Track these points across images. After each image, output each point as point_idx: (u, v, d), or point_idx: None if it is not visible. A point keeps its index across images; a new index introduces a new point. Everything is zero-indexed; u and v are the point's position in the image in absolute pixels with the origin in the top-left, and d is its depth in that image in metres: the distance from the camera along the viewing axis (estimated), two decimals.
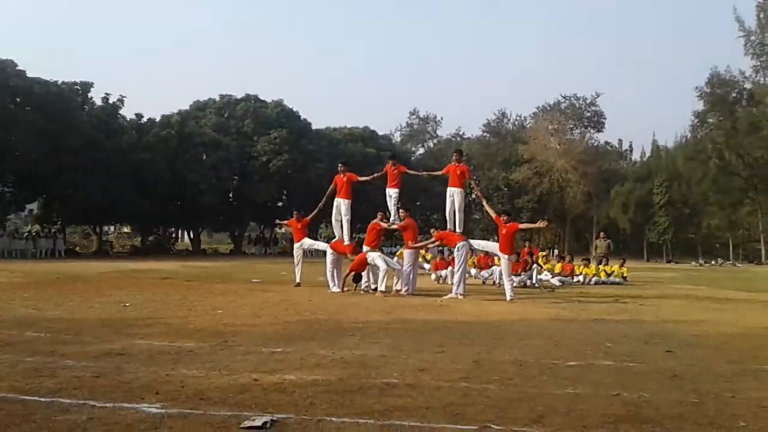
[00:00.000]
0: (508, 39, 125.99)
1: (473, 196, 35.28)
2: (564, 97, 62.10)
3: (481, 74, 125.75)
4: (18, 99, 31.68)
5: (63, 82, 34.58)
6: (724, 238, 55.55)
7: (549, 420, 3.66)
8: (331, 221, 14.44)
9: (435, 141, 73.49)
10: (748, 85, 49.20)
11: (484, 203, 15.09)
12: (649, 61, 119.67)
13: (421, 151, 71.35)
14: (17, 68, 31.65)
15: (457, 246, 12.33)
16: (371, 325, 7.75)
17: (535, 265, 16.09)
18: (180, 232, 55.81)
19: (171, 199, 40.34)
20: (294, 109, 48.89)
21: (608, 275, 18.24)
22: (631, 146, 71.78)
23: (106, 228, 48.22)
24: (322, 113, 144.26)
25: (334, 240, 14.13)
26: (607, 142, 66.96)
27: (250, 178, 44.24)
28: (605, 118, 62.24)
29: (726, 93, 49.49)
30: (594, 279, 17.91)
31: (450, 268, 14.80)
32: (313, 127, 50.61)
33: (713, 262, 45.47)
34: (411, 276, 12.74)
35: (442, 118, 74.72)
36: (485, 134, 67.68)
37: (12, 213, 40.55)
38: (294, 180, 45.04)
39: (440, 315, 9.10)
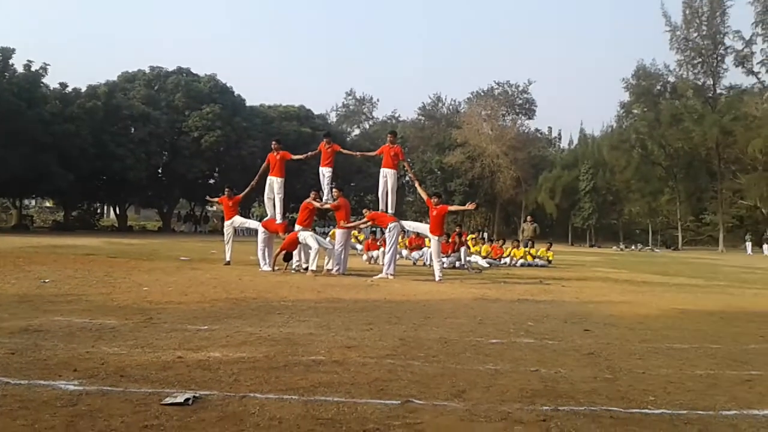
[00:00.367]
0: (442, 24, 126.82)
1: (407, 177, 35.53)
2: (497, 84, 63.28)
3: (418, 57, 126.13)
4: None
5: None
6: (645, 225, 58.04)
7: (469, 395, 3.78)
8: (263, 199, 14.28)
9: (371, 122, 73.49)
10: (671, 79, 51.43)
11: (417, 185, 15.25)
12: (580, 52, 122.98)
13: (357, 132, 71.28)
14: None
15: (389, 227, 12.43)
16: (300, 303, 7.75)
17: (464, 247, 16.39)
18: (106, 207, 53.98)
19: (96, 173, 38.73)
20: (228, 85, 47.98)
21: (534, 258, 18.76)
22: (560, 134, 74.31)
23: (26, 202, 46.11)
24: (257, 90, 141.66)
25: (266, 218, 13.98)
26: (537, 130, 68.97)
27: (181, 154, 43.11)
28: (536, 106, 64.01)
29: (651, 85, 51.53)
30: (520, 261, 18.42)
31: (381, 248, 14.91)
32: (248, 104, 49.76)
33: (633, 247, 47.50)
34: (342, 256, 12.77)
35: (378, 100, 75.00)
36: (420, 117, 68.14)
37: None
38: (226, 157, 44.24)
39: (370, 294, 9.17)
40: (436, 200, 12.50)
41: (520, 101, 63.53)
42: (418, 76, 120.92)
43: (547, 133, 72.23)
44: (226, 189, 14.66)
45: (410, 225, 14.73)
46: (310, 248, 12.48)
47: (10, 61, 34.01)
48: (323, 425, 3.14)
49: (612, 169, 53.84)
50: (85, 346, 4.69)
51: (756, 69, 47.29)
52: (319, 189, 13.83)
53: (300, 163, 15.10)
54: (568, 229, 56.81)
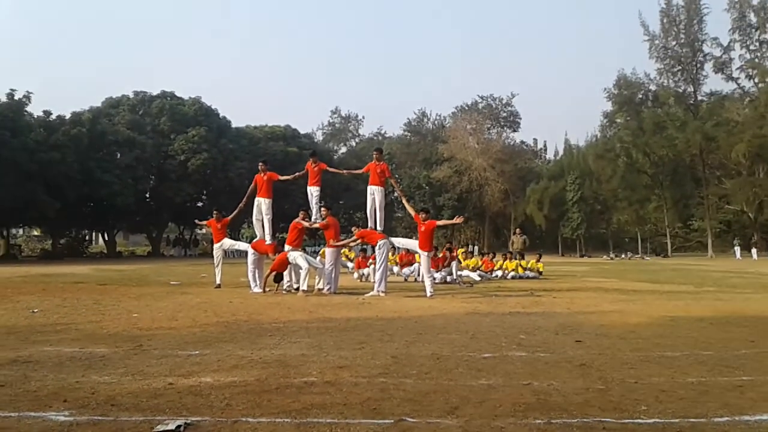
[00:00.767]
0: (428, 40, 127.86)
1: (395, 194, 35.61)
2: (481, 98, 63.81)
3: (402, 74, 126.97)
4: None
5: None
6: (633, 233, 58.36)
7: (462, 410, 3.77)
8: (252, 221, 14.27)
9: (357, 140, 73.61)
10: (653, 87, 51.98)
11: (404, 201, 15.30)
12: (560, 63, 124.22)
13: (344, 150, 71.37)
14: None
15: (378, 244, 12.42)
16: (292, 324, 7.72)
17: (454, 262, 16.41)
18: (94, 234, 53.56)
19: (83, 200, 38.54)
20: (213, 107, 47.95)
21: (525, 270, 18.80)
22: (545, 145, 74.82)
23: (14, 231, 45.71)
24: (243, 112, 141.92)
25: (255, 240, 13.95)
26: (522, 142, 69.47)
27: (168, 178, 42.95)
28: (520, 118, 64.56)
29: (632, 94, 52.05)
30: (511, 274, 18.45)
31: (372, 265, 14.91)
32: (233, 125, 49.76)
33: (623, 256, 47.71)
34: (333, 275, 12.74)
35: (363, 117, 75.11)
36: (406, 133, 68.43)
37: None
38: (214, 179, 44.15)
39: (361, 313, 9.15)
40: (424, 216, 12.51)
41: (505, 114, 64.10)
42: (404, 91, 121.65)
43: (532, 144, 72.79)
44: (215, 212, 14.64)
45: (399, 242, 14.74)
46: (300, 268, 12.46)
47: None
48: None
49: (598, 179, 54.14)
50: (75, 376, 4.65)
51: (735, 75, 48.12)
52: (307, 208, 13.83)
53: (288, 183, 15.10)
54: (557, 240, 56.96)
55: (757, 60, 46.39)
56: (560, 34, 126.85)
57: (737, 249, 43.94)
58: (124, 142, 39.93)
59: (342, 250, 15.13)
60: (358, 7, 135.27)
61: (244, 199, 13.98)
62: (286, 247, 12.97)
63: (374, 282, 12.68)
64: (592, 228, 57.28)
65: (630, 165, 52.31)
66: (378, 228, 12.81)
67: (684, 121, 47.91)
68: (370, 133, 73.68)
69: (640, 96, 52.57)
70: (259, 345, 6.10)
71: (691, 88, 50.62)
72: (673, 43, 49.66)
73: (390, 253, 14.77)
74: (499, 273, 18.55)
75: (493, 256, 20.51)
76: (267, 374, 4.74)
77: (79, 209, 39.54)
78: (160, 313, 8.82)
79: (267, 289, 12.75)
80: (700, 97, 50.90)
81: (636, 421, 3.61)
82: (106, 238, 47.05)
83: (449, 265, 16.21)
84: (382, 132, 72.75)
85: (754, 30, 46.26)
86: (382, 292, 12.03)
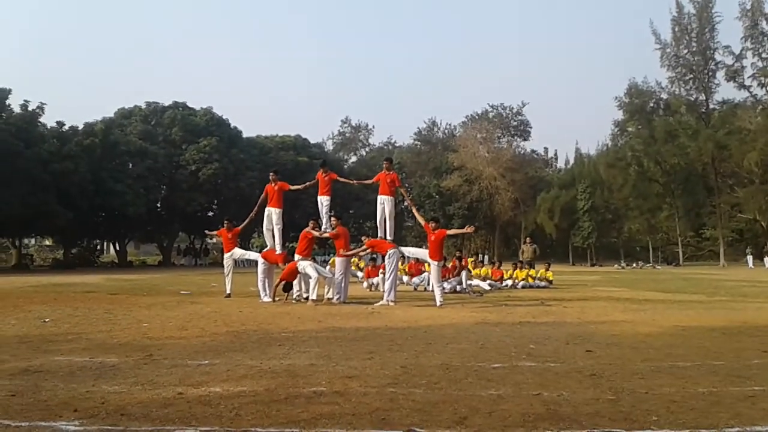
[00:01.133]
0: (438, 49, 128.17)
1: (405, 203, 35.63)
2: (491, 107, 63.90)
3: (412, 83, 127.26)
4: None
5: None
6: (645, 242, 58.04)
7: (472, 421, 3.76)
8: (263, 231, 14.31)
9: (367, 149, 73.88)
10: (664, 96, 51.88)
11: (414, 211, 15.30)
12: (571, 72, 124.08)
13: (354, 159, 71.65)
14: None
15: (388, 253, 12.41)
16: (301, 334, 7.73)
17: (464, 271, 16.37)
18: (105, 243, 53.91)
19: (95, 209, 38.85)
20: (224, 117, 48.32)
21: (535, 279, 18.73)
22: (556, 154, 74.80)
23: (26, 241, 46.07)
24: (254, 121, 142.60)
25: (265, 249, 13.99)
26: (533, 151, 69.50)
27: (179, 188, 43.24)
28: (531, 127, 64.60)
29: (644, 103, 51.93)
30: (521, 283, 18.38)
31: (382, 274, 14.89)
32: (244, 135, 50.05)
33: (634, 265, 47.40)
34: (342, 284, 12.74)
35: (373, 127, 75.38)
36: (416, 142, 68.60)
37: None
38: (225, 189, 44.37)
39: (371, 322, 9.14)
40: (434, 225, 12.49)
41: (515, 123, 64.17)
42: (413, 101, 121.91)
43: (543, 153, 72.81)
44: (226, 221, 14.67)
45: (409, 251, 14.72)
46: (309, 277, 12.46)
47: (7, 102, 34.24)
48: None
49: (609, 188, 53.96)
50: (85, 386, 4.67)
51: (747, 83, 47.87)
52: (318, 218, 13.85)
53: (298, 192, 15.15)
54: (568, 249, 56.75)
55: None
56: (571, 42, 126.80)
57: (750, 258, 43.61)
58: (136, 152, 40.27)
59: (352, 260, 15.12)
60: (368, 16, 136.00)
61: (255, 209, 14.01)
62: (296, 257, 12.99)
63: (384, 291, 12.67)
64: (603, 237, 57.07)
65: (641, 174, 52.13)
66: (388, 237, 12.81)
67: (696, 130, 47.73)
68: (380, 143, 74.12)
69: (652, 104, 52.48)
70: (268, 354, 6.11)
71: (702, 97, 50.47)
72: (685, 51, 49.59)
73: (400, 263, 14.75)
74: (509, 282, 18.49)
75: (499, 266, 20.43)
76: (276, 384, 4.74)
77: (90, 219, 39.81)
78: (171, 323, 8.85)
79: (277, 299, 12.77)
80: (712, 106, 50.79)
81: (647, 431, 3.58)
82: (118, 248, 47.31)
83: (459, 274, 16.17)
84: (392, 141, 73.15)
85: (766, 38, 46.09)
86: (392, 301, 12.01)
